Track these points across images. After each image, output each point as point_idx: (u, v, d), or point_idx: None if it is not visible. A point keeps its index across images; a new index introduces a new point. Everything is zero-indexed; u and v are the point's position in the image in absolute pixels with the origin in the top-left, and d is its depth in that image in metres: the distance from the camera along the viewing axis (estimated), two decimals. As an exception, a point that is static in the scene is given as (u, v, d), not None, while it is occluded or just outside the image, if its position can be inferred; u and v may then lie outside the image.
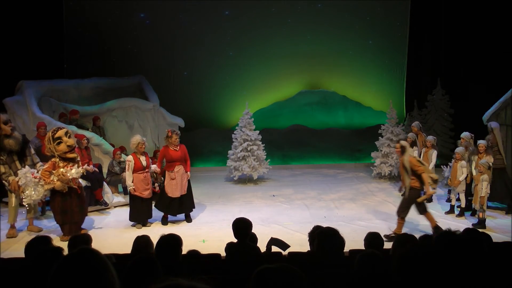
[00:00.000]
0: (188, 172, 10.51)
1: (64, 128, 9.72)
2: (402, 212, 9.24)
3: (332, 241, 4.69)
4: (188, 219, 10.63)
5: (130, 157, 10.22)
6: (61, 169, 9.29)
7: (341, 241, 4.72)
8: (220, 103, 18.34)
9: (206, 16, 17.71)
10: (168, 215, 10.57)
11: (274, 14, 17.92)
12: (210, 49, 17.93)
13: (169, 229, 9.53)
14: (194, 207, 10.78)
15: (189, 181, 10.61)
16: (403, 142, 9.24)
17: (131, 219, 10.33)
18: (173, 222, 10.63)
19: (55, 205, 9.47)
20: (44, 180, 9.28)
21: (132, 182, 10.10)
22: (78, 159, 9.78)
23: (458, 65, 15.87)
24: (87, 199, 11.27)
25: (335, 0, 17.97)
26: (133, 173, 10.10)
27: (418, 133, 12.51)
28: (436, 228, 8.91)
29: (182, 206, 10.55)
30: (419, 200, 9.12)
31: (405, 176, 9.11)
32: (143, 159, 10.20)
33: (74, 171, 9.34)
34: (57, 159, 9.37)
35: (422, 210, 9.19)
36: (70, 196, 9.42)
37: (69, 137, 9.42)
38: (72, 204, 9.45)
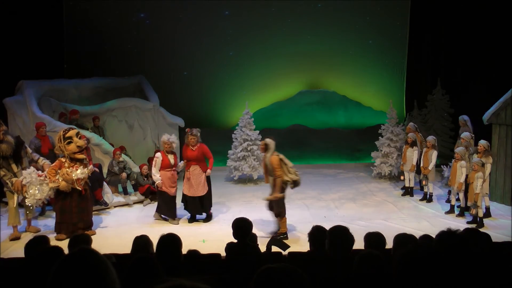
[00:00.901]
0: (208, 170, 10.53)
1: (75, 129, 9.88)
2: (282, 212, 9.42)
3: (344, 238, 4.75)
4: (205, 219, 10.69)
5: (158, 154, 10.54)
6: (67, 169, 9.36)
7: (351, 239, 4.78)
8: (220, 103, 18.34)
9: (206, 16, 17.71)
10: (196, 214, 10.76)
11: (274, 14, 17.91)
12: (210, 49, 17.93)
13: (169, 229, 9.53)
14: (209, 209, 10.83)
15: (208, 181, 10.67)
16: (267, 140, 9.44)
17: (161, 212, 10.69)
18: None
19: (56, 204, 9.59)
20: (49, 178, 9.33)
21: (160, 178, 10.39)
22: (87, 161, 9.84)
23: (458, 65, 15.86)
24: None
25: (336, 0, 17.97)
26: (160, 170, 10.35)
27: (414, 133, 12.52)
28: (275, 234, 9.35)
29: (201, 206, 10.66)
30: (267, 198, 9.49)
31: (268, 175, 9.35)
32: (171, 157, 10.43)
33: (79, 172, 9.41)
34: (64, 159, 9.46)
35: (280, 212, 9.41)
36: (71, 196, 9.47)
37: (80, 138, 9.57)
38: (71, 205, 9.49)
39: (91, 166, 11.36)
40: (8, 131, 10.10)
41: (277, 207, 9.43)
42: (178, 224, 10.57)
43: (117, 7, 17.18)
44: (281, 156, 9.43)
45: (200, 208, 10.64)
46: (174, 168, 10.47)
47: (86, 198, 9.74)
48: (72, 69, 16.47)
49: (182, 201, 10.76)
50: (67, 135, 9.46)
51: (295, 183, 9.48)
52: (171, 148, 10.43)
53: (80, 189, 9.50)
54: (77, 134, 9.58)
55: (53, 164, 9.56)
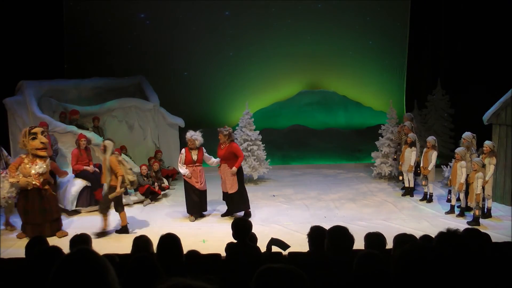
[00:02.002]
0: (233, 168, 10.67)
1: (42, 128, 10.00)
2: (104, 209, 9.84)
3: (344, 239, 4.74)
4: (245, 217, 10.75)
5: (183, 150, 10.88)
6: (26, 165, 9.47)
7: (351, 239, 4.77)
8: (220, 103, 18.33)
9: (206, 16, 17.70)
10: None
11: (274, 14, 17.91)
12: (210, 49, 17.92)
13: (169, 229, 9.54)
14: (246, 208, 10.98)
15: (241, 179, 10.86)
16: (106, 142, 9.80)
17: (187, 211, 10.92)
18: (174, 220, 10.65)
19: (19, 204, 9.66)
20: (9, 174, 9.50)
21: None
22: (48, 160, 9.85)
23: (458, 65, 15.84)
24: (87, 199, 11.32)
25: (336, 0, 17.97)
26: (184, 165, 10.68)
27: (407, 131, 12.52)
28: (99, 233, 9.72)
29: (234, 205, 10.89)
30: (110, 196, 9.71)
31: (107, 175, 9.67)
32: (194, 154, 10.68)
33: (37, 166, 9.50)
34: (25, 156, 9.60)
35: (104, 209, 9.85)
36: (33, 196, 9.52)
37: (45, 136, 9.79)
38: (34, 205, 9.54)
39: (91, 166, 11.42)
40: None
41: (114, 203, 9.88)
42: (193, 221, 10.78)
43: (117, 8, 17.18)
44: (120, 158, 9.95)
45: (232, 206, 10.89)
46: (197, 164, 10.68)
47: (48, 199, 9.72)
48: (72, 69, 16.48)
49: (223, 198, 11.10)
50: (33, 131, 9.62)
51: (132, 183, 9.98)
52: (194, 145, 10.67)
53: (38, 183, 9.50)
54: (43, 132, 9.76)
55: (14, 161, 9.77)
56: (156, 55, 17.48)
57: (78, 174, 11.35)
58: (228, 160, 10.69)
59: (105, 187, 9.80)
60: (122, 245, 7.96)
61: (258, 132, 14.11)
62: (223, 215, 10.96)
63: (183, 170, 10.74)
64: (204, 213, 11.14)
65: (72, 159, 11.47)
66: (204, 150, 10.92)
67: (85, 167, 11.38)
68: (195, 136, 10.71)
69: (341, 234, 4.79)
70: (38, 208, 9.56)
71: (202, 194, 10.90)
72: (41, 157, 9.64)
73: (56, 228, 9.88)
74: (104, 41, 17.01)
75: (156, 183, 12.51)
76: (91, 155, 11.84)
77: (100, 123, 13.59)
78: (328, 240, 4.83)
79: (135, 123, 14.28)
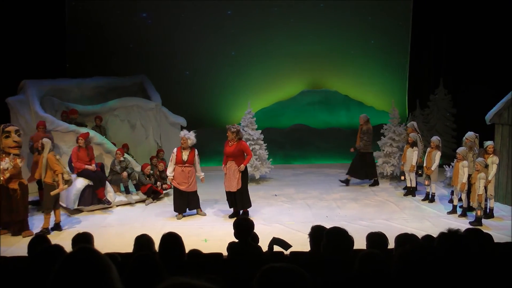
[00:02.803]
0: (241, 165, 10.64)
1: (16, 126, 10.15)
2: (48, 208, 9.95)
3: (342, 240, 4.67)
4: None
5: (174, 150, 10.84)
6: None
7: (350, 240, 4.71)
8: (222, 103, 18.34)
9: (208, 16, 17.70)
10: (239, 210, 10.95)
11: (276, 14, 17.91)
12: (212, 49, 17.92)
13: (171, 228, 9.56)
14: (247, 206, 10.94)
15: (244, 178, 10.81)
16: (44, 140, 9.95)
17: (174, 209, 10.98)
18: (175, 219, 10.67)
19: None
20: None
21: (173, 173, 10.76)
22: (19, 160, 9.90)
23: (460, 64, 15.82)
24: (90, 198, 11.34)
25: (337, 0, 17.96)
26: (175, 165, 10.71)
27: (410, 131, 12.52)
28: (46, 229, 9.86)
29: (237, 203, 10.83)
30: (51, 193, 9.85)
31: (43, 172, 9.81)
32: (185, 153, 10.68)
33: (3, 162, 9.60)
34: None
35: (48, 207, 9.95)
36: (0, 195, 9.54)
37: (19, 135, 9.94)
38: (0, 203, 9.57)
39: (93, 165, 11.43)
40: None
41: (48, 202, 9.96)
42: (179, 219, 10.84)
43: (119, 7, 17.19)
44: (58, 156, 10.11)
45: (235, 204, 10.84)
46: (186, 164, 10.64)
47: (16, 198, 9.73)
48: (74, 69, 16.47)
49: (227, 198, 11.05)
50: (7, 129, 9.82)
51: (67, 182, 10.08)
52: (186, 144, 10.65)
53: (2, 179, 9.55)
54: (17, 131, 9.93)
55: None
56: (158, 54, 17.48)
57: (80, 173, 11.36)
58: (236, 158, 10.65)
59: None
60: (124, 244, 7.96)
61: (260, 131, 14.12)
62: (230, 216, 10.84)
63: (169, 171, 10.82)
64: (206, 212, 11.14)
65: (72, 157, 11.49)
66: (196, 153, 10.89)
67: (86, 166, 11.40)
68: (188, 135, 10.72)
69: (340, 236, 4.71)
70: (6, 208, 9.60)
71: (190, 194, 10.88)
72: (14, 155, 9.74)
73: (20, 229, 9.88)
74: (106, 40, 17.02)
75: (158, 183, 12.52)
76: (93, 154, 11.85)
77: (102, 123, 13.60)
78: (326, 242, 4.73)
79: (137, 122, 14.29)
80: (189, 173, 10.70)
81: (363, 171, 13.57)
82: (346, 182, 13.52)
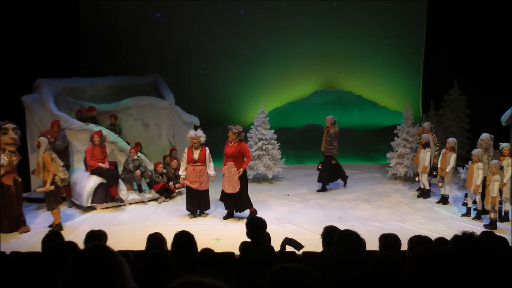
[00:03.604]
0: (240, 169, 10.56)
1: (14, 125, 10.19)
2: (51, 205, 10.06)
3: (353, 244, 4.62)
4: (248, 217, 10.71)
5: (186, 149, 10.86)
6: None
7: (362, 244, 4.63)
8: (235, 102, 18.35)
9: (221, 15, 17.71)
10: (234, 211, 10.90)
11: (290, 14, 17.86)
12: (225, 48, 17.93)
13: (183, 226, 9.59)
14: (248, 206, 10.83)
15: (244, 181, 10.74)
16: (40, 139, 10.05)
17: (186, 208, 11.02)
18: (187, 219, 10.69)
19: None
20: None
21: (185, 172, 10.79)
22: (15, 157, 10.02)
23: (475, 64, 15.68)
24: (103, 196, 11.41)
25: (351, -1, 17.93)
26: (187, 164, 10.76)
27: (429, 133, 12.43)
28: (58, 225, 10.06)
29: (236, 204, 10.75)
30: (37, 190, 10.23)
31: (40, 170, 9.94)
32: (196, 153, 10.67)
33: None
34: None
35: (50, 205, 10.05)
36: None
37: (16, 133, 10.05)
38: None
39: (106, 163, 11.48)
40: None
41: (48, 199, 10.05)
42: (191, 218, 10.86)
43: (133, 6, 17.24)
44: (54, 155, 10.10)
45: (233, 205, 10.75)
46: (198, 163, 10.64)
47: (10, 194, 9.85)
48: (88, 68, 16.56)
49: (220, 198, 10.98)
50: (4, 126, 9.96)
51: (62, 181, 10.13)
52: (198, 142, 10.66)
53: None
54: (14, 129, 10.05)
55: None
56: (171, 53, 17.52)
57: (94, 171, 11.42)
58: (236, 159, 10.58)
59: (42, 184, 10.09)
60: (136, 242, 7.99)
61: (273, 131, 14.12)
62: (225, 218, 10.83)
63: (181, 171, 10.86)
64: (218, 212, 11.14)
65: (87, 155, 11.57)
66: (208, 151, 10.85)
67: (100, 164, 11.46)
68: (198, 134, 10.73)
69: (351, 239, 4.62)
70: (0, 203, 9.73)
71: (202, 193, 10.87)
72: (9, 151, 9.88)
73: (15, 225, 10.02)
74: (120, 39, 17.08)
75: (171, 182, 12.55)
76: (106, 152, 11.92)
77: (117, 121, 13.67)
78: (337, 246, 4.66)
79: (150, 121, 14.34)
80: (200, 171, 10.69)
81: (331, 175, 13.30)
82: (323, 189, 13.16)
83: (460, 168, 12.81)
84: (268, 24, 17.83)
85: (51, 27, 14.67)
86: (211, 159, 10.88)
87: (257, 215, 7.31)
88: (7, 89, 12.91)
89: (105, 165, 11.52)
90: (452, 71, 16.58)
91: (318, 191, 13.02)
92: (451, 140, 11.65)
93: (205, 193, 10.93)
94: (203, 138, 10.76)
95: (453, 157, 11.45)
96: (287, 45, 17.98)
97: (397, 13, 17.86)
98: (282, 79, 18.39)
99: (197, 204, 10.91)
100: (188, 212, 11.01)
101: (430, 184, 12.37)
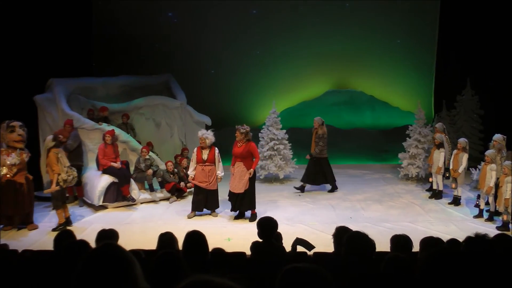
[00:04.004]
0: (250, 170, 10.56)
1: (21, 122, 10.26)
2: (57, 204, 10.19)
3: (362, 245, 4.59)
4: (250, 218, 10.70)
5: (195, 149, 10.90)
6: (3, 156, 9.88)
7: (371, 245, 4.61)
8: (247, 102, 18.36)
9: (233, 15, 17.74)
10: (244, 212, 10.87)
11: (302, 14, 17.86)
12: (237, 48, 17.96)
13: (194, 226, 9.62)
14: (251, 208, 10.79)
15: (252, 182, 10.70)
16: (47, 138, 10.19)
17: (192, 208, 10.99)
18: (200, 218, 10.70)
19: None
20: None
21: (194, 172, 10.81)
22: (25, 155, 10.14)
23: (488, 64, 15.58)
24: (114, 195, 11.45)
25: (363, 0, 17.85)
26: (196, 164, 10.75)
27: (441, 134, 12.36)
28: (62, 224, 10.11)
29: (242, 204, 10.72)
30: (45, 192, 10.40)
31: (49, 169, 10.13)
32: (205, 153, 10.69)
33: (11, 158, 9.87)
34: (4, 149, 9.99)
35: (57, 204, 10.19)
36: (7, 188, 9.82)
37: (23, 130, 10.15)
38: (7, 196, 9.82)
39: (118, 163, 11.52)
40: None
41: (54, 198, 10.20)
42: (190, 218, 10.86)
43: (145, 7, 17.31)
44: (60, 155, 10.14)
45: (239, 204, 10.71)
46: (207, 163, 10.65)
47: (22, 192, 9.97)
48: (100, 68, 16.64)
49: (228, 197, 10.95)
50: (12, 124, 10.07)
51: (65, 182, 10.15)
52: (205, 143, 10.66)
53: (10, 174, 9.80)
54: (21, 126, 10.16)
55: None
56: (183, 53, 17.57)
57: (105, 170, 11.47)
58: (244, 159, 10.56)
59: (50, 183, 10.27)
60: (147, 241, 8.01)
61: (284, 131, 14.11)
62: (236, 218, 10.80)
63: (190, 171, 10.89)
64: (226, 212, 11.13)
65: (99, 154, 11.63)
66: (217, 151, 10.84)
67: (112, 163, 11.50)
68: (206, 134, 10.73)
69: (360, 241, 4.58)
70: (11, 200, 9.85)
71: (210, 192, 10.85)
72: (20, 149, 10.02)
73: (26, 221, 10.17)
74: (132, 39, 17.15)
75: (182, 182, 12.57)
76: (118, 152, 11.97)
77: (129, 120, 13.73)
78: (346, 247, 4.61)
79: (162, 121, 14.38)
80: (209, 171, 10.69)
81: (320, 176, 13.09)
82: (301, 189, 13.02)
83: (473, 169, 12.71)
84: (280, 24, 17.84)
85: (63, 27, 14.76)
86: (220, 160, 10.87)
87: (269, 215, 7.23)
88: (20, 89, 13.01)
89: (117, 164, 11.56)
90: (464, 71, 16.47)
91: (329, 191, 12.96)
92: (462, 140, 11.57)
93: (214, 192, 10.92)
94: (209, 140, 10.74)
95: (465, 157, 11.37)
96: (299, 45, 17.98)
97: (409, 13, 17.81)
98: (294, 79, 18.39)
99: (204, 202, 10.89)
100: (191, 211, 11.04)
101: (443, 185, 12.29)
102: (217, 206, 11.09)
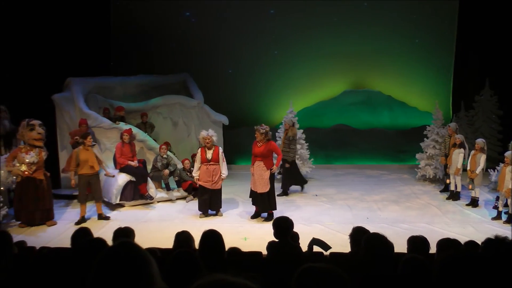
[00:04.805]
0: (273, 167, 10.61)
1: (39, 121, 10.43)
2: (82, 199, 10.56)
3: (381, 247, 4.57)
4: (266, 218, 10.66)
5: (198, 150, 10.97)
6: (22, 154, 10.04)
7: (390, 247, 4.58)
8: (264, 102, 18.34)
9: (251, 15, 17.73)
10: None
11: (320, 13, 17.79)
12: (254, 48, 17.95)
13: (211, 225, 9.64)
14: (272, 208, 10.75)
15: (272, 181, 10.68)
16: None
17: (198, 208, 11.02)
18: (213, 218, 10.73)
19: (15, 191, 10.22)
20: (6, 164, 10.13)
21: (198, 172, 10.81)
22: (43, 153, 10.32)
23: (507, 64, 15.42)
24: (131, 193, 11.52)
25: (382, -1, 17.77)
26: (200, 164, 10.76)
27: (452, 134, 12.24)
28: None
29: (263, 204, 10.71)
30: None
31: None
32: (209, 152, 10.68)
33: (29, 156, 10.05)
34: (23, 146, 10.21)
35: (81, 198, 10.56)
36: (28, 184, 10.04)
37: (42, 129, 10.33)
38: (28, 193, 10.06)
39: (135, 162, 11.58)
40: (9, 118, 11.55)
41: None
42: (202, 218, 10.87)
43: (163, 6, 17.36)
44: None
45: (261, 204, 10.72)
46: (211, 163, 10.64)
47: (42, 188, 10.20)
48: (118, 67, 16.73)
49: (250, 196, 10.97)
50: (31, 122, 10.25)
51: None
52: (211, 142, 10.68)
53: (29, 172, 9.99)
54: (40, 124, 10.33)
55: (13, 151, 10.47)
56: (201, 52, 17.59)
57: (122, 169, 11.54)
58: (265, 158, 10.56)
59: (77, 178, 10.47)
60: (164, 239, 8.03)
61: (301, 131, 14.09)
62: (252, 217, 10.81)
63: (194, 171, 10.92)
64: (245, 211, 11.13)
65: (116, 153, 11.71)
66: (221, 151, 10.84)
67: (129, 162, 11.57)
68: (210, 133, 10.76)
69: (379, 243, 4.57)
70: (32, 196, 10.07)
71: (214, 192, 10.84)
72: (38, 148, 10.20)
73: (46, 217, 10.38)
74: (149, 39, 17.22)
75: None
76: (135, 151, 12.03)
77: (147, 119, 13.80)
78: (365, 249, 4.61)
79: (179, 120, 14.43)
80: (213, 171, 10.68)
81: (294, 179, 12.96)
82: (285, 193, 12.82)
83: (491, 170, 12.59)
84: (297, 23, 17.79)
85: (82, 27, 14.86)
86: (224, 159, 10.87)
87: (285, 214, 7.19)
88: (38, 88, 13.13)
89: (134, 163, 11.63)
90: (483, 71, 16.32)
91: (278, 195, 12.20)
92: (480, 141, 11.45)
93: (217, 192, 10.92)
94: (215, 138, 10.80)
95: (482, 158, 11.24)
96: (316, 44, 17.92)
97: (428, 12, 17.66)
98: (311, 78, 18.32)
99: (208, 203, 10.90)
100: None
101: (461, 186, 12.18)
102: (220, 206, 11.07)
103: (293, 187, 13.11)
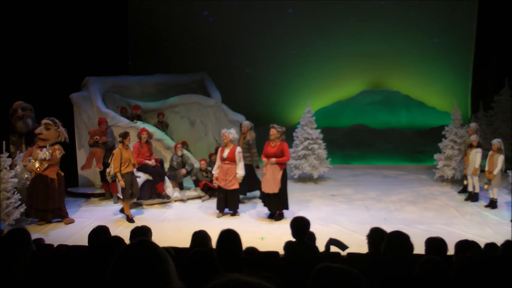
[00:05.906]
0: (272, 159, 10.38)
1: (47, 121, 10.52)
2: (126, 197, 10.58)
3: (403, 245, 4.59)
4: (275, 217, 10.59)
5: (219, 148, 10.98)
6: (37, 150, 10.21)
7: (410, 246, 4.61)
8: (281, 101, 18.34)
9: (269, 14, 17.74)
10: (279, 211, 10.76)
11: (338, 12, 17.76)
12: (272, 47, 17.95)
13: (228, 225, 9.65)
14: (284, 207, 10.67)
15: (284, 181, 10.57)
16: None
17: (216, 206, 11.04)
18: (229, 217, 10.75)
19: (28, 188, 10.27)
20: (22, 160, 10.28)
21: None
22: (57, 151, 10.38)
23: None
24: (148, 192, 11.57)
25: (400, -2, 17.68)
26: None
27: (472, 134, 12.10)
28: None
29: (275, 203, 10.61)
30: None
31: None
32: (226, 151, 10.64)
33: (41, 152, 10.17)
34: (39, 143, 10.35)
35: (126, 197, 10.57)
36: (39, 182, 10.14)
37: (46, 128, 10.40)
38: (38, 190, 10.14)
39: (152, 160, 11.63)
40: (33, 117, 11.64)
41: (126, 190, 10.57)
42: (219, 217, 10.85)
43: (181, 6, 17.44)
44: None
45: (272, 204, 10.62)
46: (226, 161, 10.57)
47: (53, 187, 10.25)
48: (136, 66, 16.83)
49: (260, 197, 10.97)
50: (42, 121, 10.43)
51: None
52: (226, 140, 10.65)
53: (41, 168, 10.09)
54: (46, 124, 10.41)
55: (30, 147, 10.61)
56: (218, 52, 17.64)
57: (140, 168, 11.59)
58: (278, 158, 10.44)
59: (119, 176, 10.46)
60: (181, 238, 8.06)
61: (319, 130, 14.07)
62: (269, 217, 10.70)
63: (214, 169, 10.90)
64: (262, 210, 11.12)
65: (133, 152, 11.74)
66: (238, 150, 10.66)
67: (146, 161, 11.61)
68: (227, 131, 10.73)
69: (402, 240, 4.63)
70: (41, 194, 10.15)
71: (229, 192, 10.73)
72: (51, 145, 10.31)
73: (58, 216, 10.45)
74: (167, 38, 17.31)
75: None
76: (152, 150, 12.07)
77: (164, 118, 13.85)
78: (386, 245, 4.68)
79: (196, 119, 14.47)
80: (227, 170, 10.57)
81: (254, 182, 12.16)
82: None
83: (510, 171, 12.45)
84: (315, 23, 17.77)
85: (100, 27, 14.97)
86: (241, 159, 10.70)
87: (302, 214, 7.17)
88: (57, 87, 13.25)
89: (151, 162, 11.67)
90: (502, 71, 16.14)
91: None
92: (496, 141, 11.30)
93: (233, 192, 10.76)
94: (231, 136, 10.68)
95: (500, 158, 11.10)
96: (334, 44, 17.88)
97: (447, 11, 17.54)
98: (329, 78, 18.29)
99: (225, 201, 10.83)
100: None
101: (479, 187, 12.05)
102: (237, 207, 10.98)
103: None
